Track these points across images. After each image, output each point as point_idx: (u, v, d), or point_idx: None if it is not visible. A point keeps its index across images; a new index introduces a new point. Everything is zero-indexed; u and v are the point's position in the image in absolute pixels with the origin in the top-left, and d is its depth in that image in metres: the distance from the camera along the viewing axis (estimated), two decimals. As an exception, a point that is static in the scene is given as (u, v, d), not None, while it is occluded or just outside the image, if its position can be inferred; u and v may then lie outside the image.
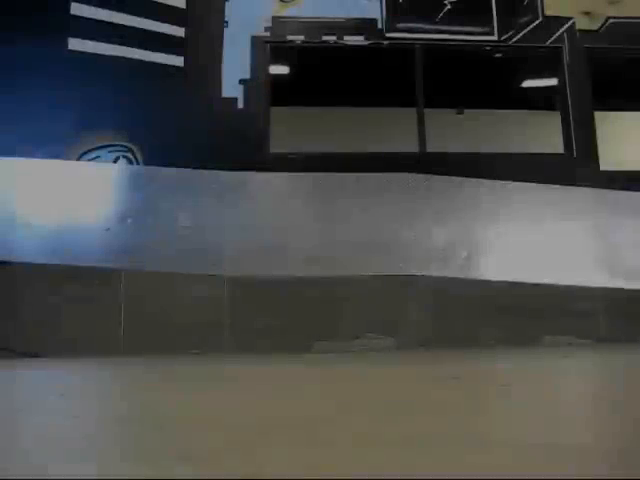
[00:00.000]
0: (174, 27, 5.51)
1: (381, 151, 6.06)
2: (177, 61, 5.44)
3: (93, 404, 0.96)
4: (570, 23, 5.89)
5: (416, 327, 4.96)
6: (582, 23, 5.92)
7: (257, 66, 5.46)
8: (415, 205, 5.28)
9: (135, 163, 5.22)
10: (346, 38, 5.64)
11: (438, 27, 5.83)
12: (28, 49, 5.23)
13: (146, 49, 5.42)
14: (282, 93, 6.24)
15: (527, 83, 8.38)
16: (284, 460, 0.40)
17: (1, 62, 5.24)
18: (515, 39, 5.89)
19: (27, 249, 4.86)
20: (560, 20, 5.92)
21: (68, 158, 5.13)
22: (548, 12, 5.95)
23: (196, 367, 2.51)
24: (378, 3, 5.76)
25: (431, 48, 5.82)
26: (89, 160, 5.20)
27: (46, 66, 5.24)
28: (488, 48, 6.05)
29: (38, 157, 5.05)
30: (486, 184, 5.41)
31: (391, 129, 7.50)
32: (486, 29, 5.90)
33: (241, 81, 5.44)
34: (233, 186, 5.05)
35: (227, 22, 5.62)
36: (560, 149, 5.85)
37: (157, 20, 5.48)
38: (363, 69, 7.24)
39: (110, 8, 5.43)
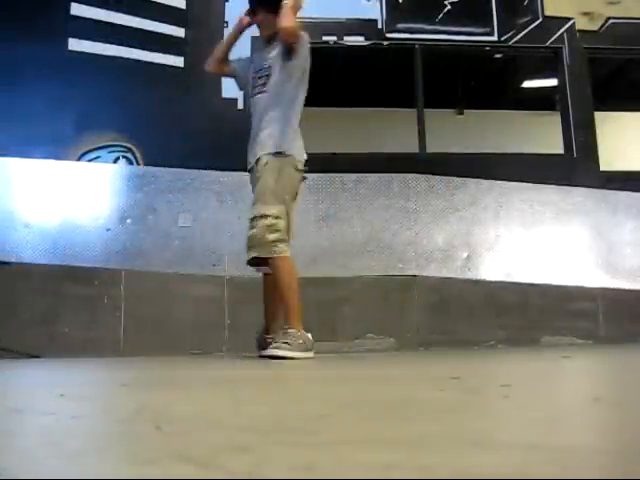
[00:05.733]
0: (174, 27, 5.51)
1: (381, 151, 6.07)
2: (177, 61, 5.45)
3: (93, 404, 0.96)
4: (570, 23, 5.89)
5: (416, 327, 4.96)
6: (582, 23, 5.93)
7: (257, 66, 5.46)
8: (415, 205, 5.28)
9: (135, 163, 5.23)
10: (346, 38, 5.64)
11: (438, 27, 5.84)
12: (28, 49, 5.23)
13: (146, 49, 5.43)
14: (282, 93, 6.22)
15: (527, 83, 8.39)
16: (284, 460, 0.40)
17: (0, 62, 5.24)
18: (515, 39, 5.90)
19: (27, 249, 4.86)
20: (560, 20, 5.92)
21: (68, 158, 5.13)
22: (548, 12, 5.95)
23: (196, 367, 2.51)
24: (378, 3, 5.77)
25: (431, 48, 5.83)
26: (89, 160, 5.20)
27: (46, 66, 5.24)
28: (488, 48, 6.06)
29: (38, 157, 5.06)
30: (485, 184, 5.42)
31: (391, 129, 7.49)
32: (486, 29, 5.91)
33: (241, 81, 5.44)
34: (233, 187, 5.06)
35: (227, 22, 5.62)
36: (560, 149, 5.86)
37: (157, 20, 5.48)
38: (363, 69, 7.25)
39: (109, 8, 5.44)
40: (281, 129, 3.60)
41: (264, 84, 3.64)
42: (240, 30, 3.88)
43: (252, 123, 3.75)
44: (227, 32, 5.47)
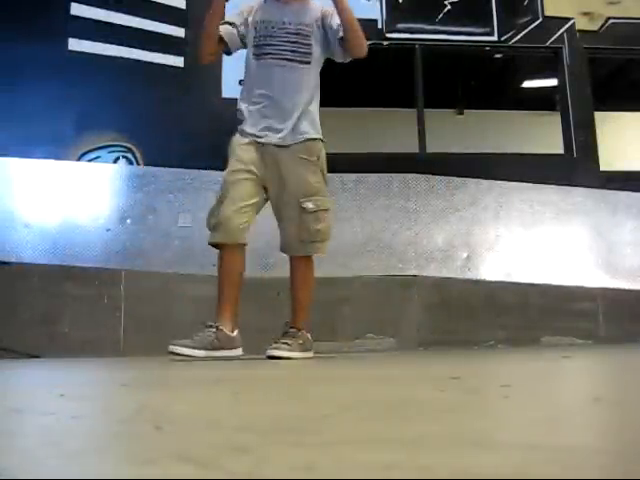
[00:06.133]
0: (174, 27, 5.51)
1: (381, 151, 6.07)
2: (177, 61, 5.45)
3: (93, 404, 0.97)
4: (570, 23, 5.90)
5: (416, 327, 4.97)
6: (582, 23, 5.93)
7: (257, 66, 5.46)
8: (415, 205, 5.28)
9: (135, 163, 5.23)
10: (346, 38, 5.63)
11: (438, 27, 5.84)
12: (28, 49, 5.24)
13: (146, 49, 5.43)
14: (282, 93, 6.22)
15: (527, 83, 8.39)
16: (284, 460, 0.40)
17: (1, 62, 5.24)
18: (515, 39, 5.91)
19: (27, 249, 4.86)
20: (560, 20, 5.93)
21: (68, 158, 5.14)
22: (548, 12, 5.96)
23: (196, 367, 2.51)
24: (378, 3, 5.77)
25: (431, 48, 5.83)
26: (89, 160, 5.20)
27: (46, 66, 5.25)
28: (488, 48, 6.07)
29: (38, 157, 5.06)
30: (485, 184, 5.42)
31: (391, 129, 7.49)
32: (486, 29, 5.92)
33: (241, 82, 5.45)
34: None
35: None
36: (560, 149, 5.87)
37: (157, 20, 5.49)
38: (363, 69, 7.24)
39: (109, 8, 5.44)
40: (317, 116, 3.30)
41: (305, 53, 3.24)
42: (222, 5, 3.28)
43: (266, 88, 3.23)
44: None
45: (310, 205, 3.15)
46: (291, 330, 3.28)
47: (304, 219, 3.17)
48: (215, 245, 3.34)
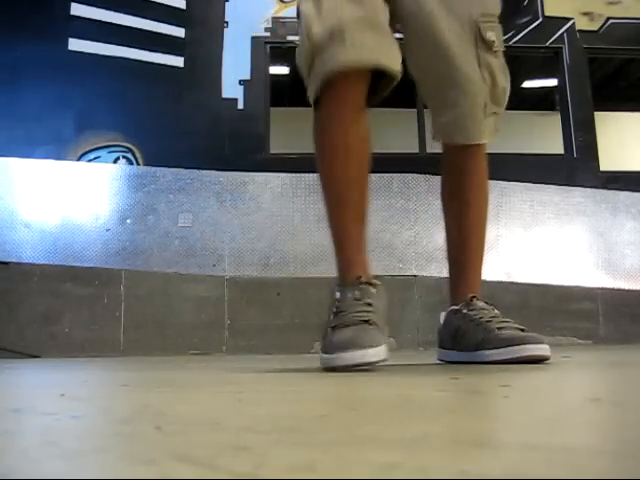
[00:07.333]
0: (174, 27, 5.52)
1: (381, 151, 6.07)
2: (177, 61, 5.45)
3: (93, 404, 0.97)
4: (570, 23, 5.90)
5: (416, 327, 4.97)
6: (582, 23, 5.93)
7: (257, 66, 5.47)
8: (415, 205, 5.28)
9: (135, 164, 5.23)
10: (346, 38, 5.64)
11: (438, 27, 5.84)
12: (28, 49, 5.24)
13: (146, 49, 5.43)
14: (282, 93, 6.23)
15: (527, 83, 8.39)
16: (285, 460, 0.40)
17: (1, 62, 5.25)
18: (515, 39, 5.91)
19: (27, 249, 4.87)
20: (560, 20, 5.93)
21: (68, 158, 5.14)
22: (548, 12, 5.96)
23: (196, 367, 2.51)
24: (378, 3, 5.77)
25: (431, 48, 5.83)
26: (89, 160, 5.21)
27: (46, 66, 5.25)
28: (488, 48, 6.07)
29: (38, 157, 5.06)
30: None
31: (391, 129, 7.48)
32: (486, 29, 5.92)
33: (241, 82, 5.45)
34: (233, 187, 5.06)
35: (227, 22, 5.63)
36: (560, 150, 5.87)
37: (157, 20, 5.49)
38: (363, 69, 7.24)
39: (109, 8, 5.45)
40: None
41: None
42: None
43: None
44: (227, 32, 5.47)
45: (493, 36, 1.79)
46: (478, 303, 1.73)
47: (487, 61, 1.78)
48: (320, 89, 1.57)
